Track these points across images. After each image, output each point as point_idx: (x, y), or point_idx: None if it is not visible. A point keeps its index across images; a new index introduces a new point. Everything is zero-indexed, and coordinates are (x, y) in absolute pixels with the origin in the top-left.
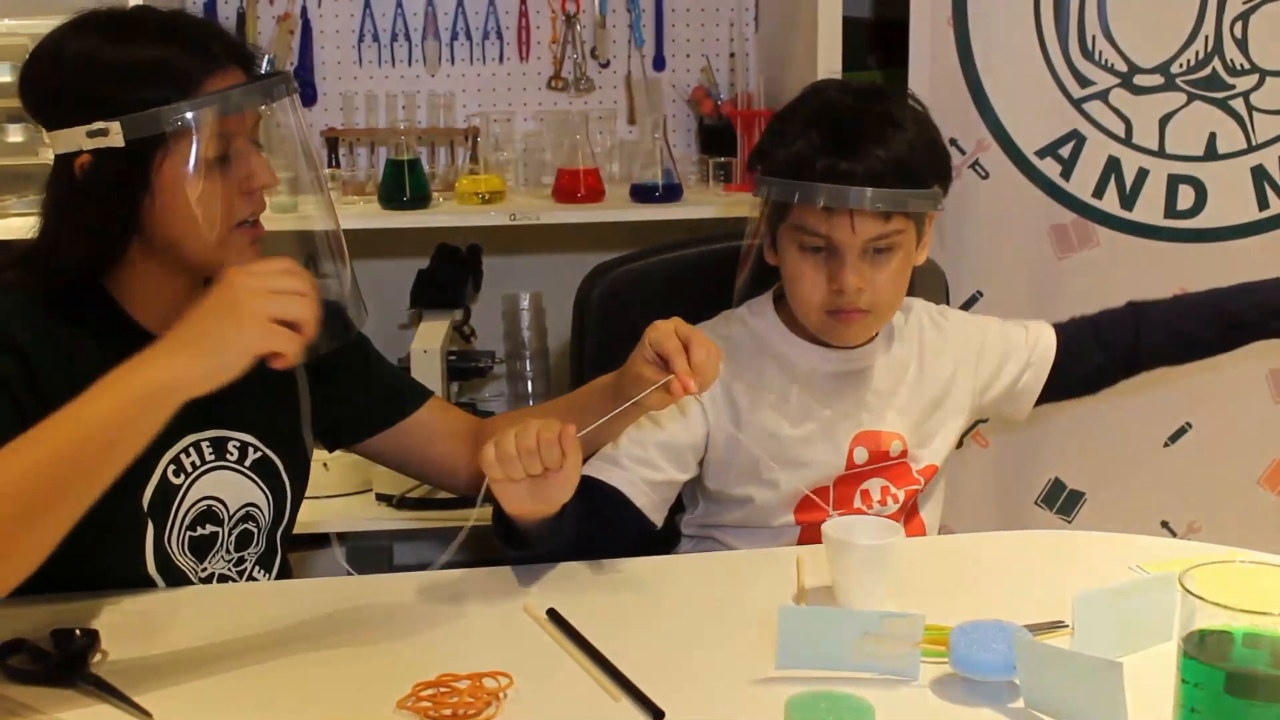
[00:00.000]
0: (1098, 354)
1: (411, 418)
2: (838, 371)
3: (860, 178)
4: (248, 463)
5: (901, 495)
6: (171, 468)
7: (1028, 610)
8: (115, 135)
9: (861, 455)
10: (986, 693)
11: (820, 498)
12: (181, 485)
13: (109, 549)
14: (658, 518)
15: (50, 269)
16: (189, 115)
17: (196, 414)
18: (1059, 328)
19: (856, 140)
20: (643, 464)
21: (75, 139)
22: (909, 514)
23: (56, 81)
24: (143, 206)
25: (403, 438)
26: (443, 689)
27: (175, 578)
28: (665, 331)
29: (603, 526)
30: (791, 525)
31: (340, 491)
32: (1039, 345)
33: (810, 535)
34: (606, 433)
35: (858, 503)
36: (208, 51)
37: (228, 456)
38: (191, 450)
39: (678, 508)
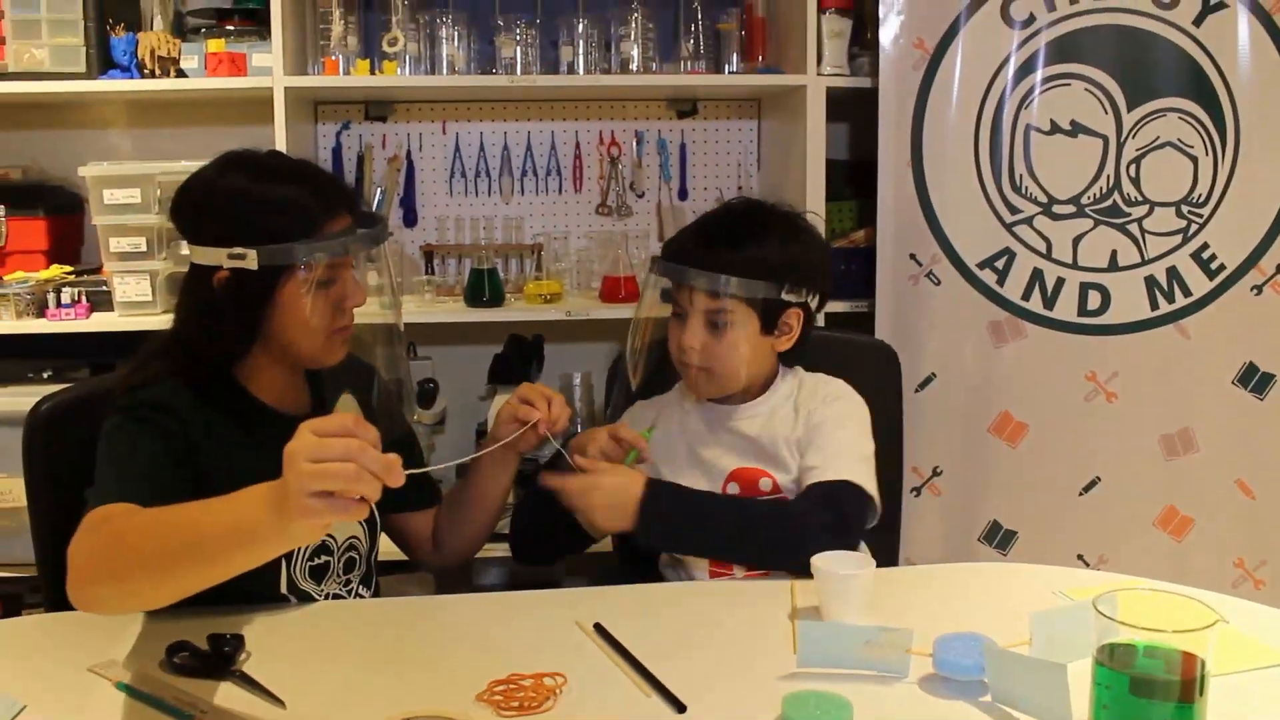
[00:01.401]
0: None
1: (428, 510)
2: (722, 422)
3: (699, 263)
4: None
5: None
6: None
7: (975, 626)
8: (251, 260)
9: (734, 489)
10: (962, 689)
11: None
12: None
13: (251, 576)
14: None
15: (192, 361)
16: (314, 251)
17: None
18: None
19: (714, 238)
20: None
21: (217, 256)
22: None
23: (206, 209)
24: (265, 315)
25: (411, 519)
26: (511, 685)
27: (302, 596)
28: (534, 389)
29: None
30: None
31: None
32: (802, 475)
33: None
34: (492, 473)
35: None
36: (327, 197)
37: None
38: None
39: None
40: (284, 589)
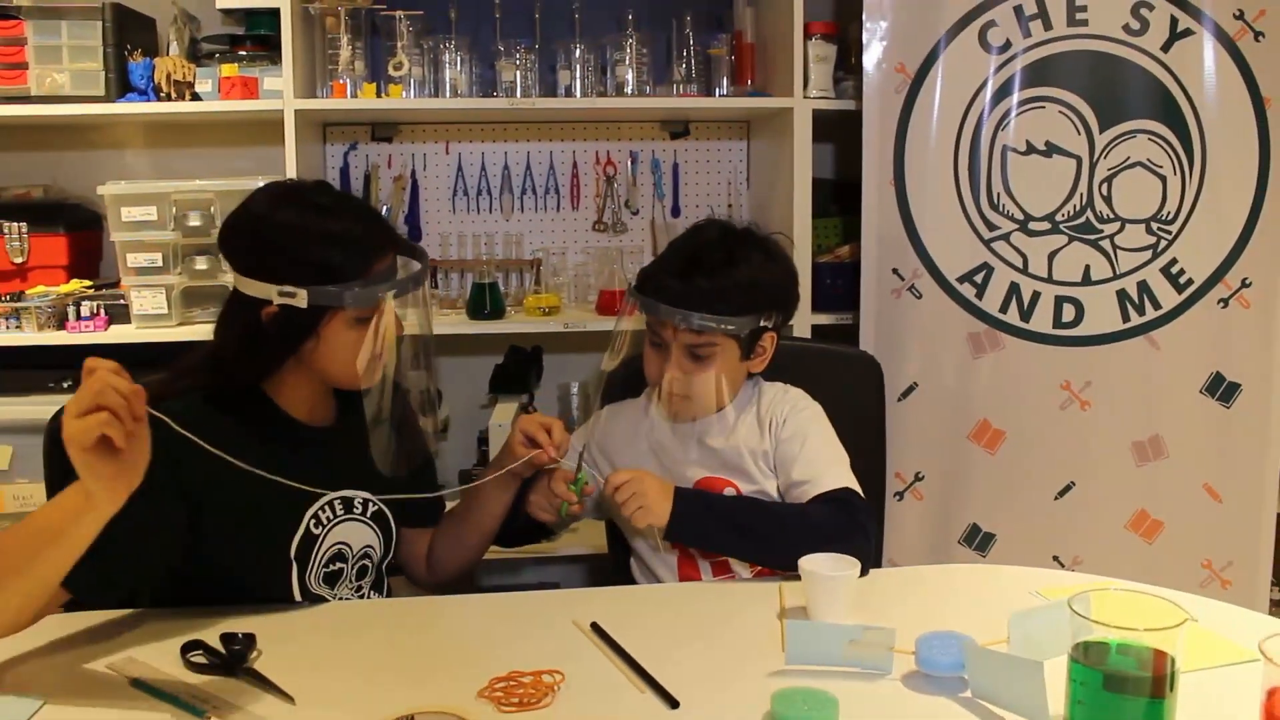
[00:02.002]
0: None
1: (427, 529)
2: (688, 434)
3: (678, 300)
4: (368, 514)
5: None
6: (312, 521)
7: (955, 625)
8: (301, 299)
9: None
10: (943, 685)
11: None
12: (320, 534)
13: (264, 585)
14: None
15: (225, 380)
16: (362, 296)
17: (328, 479)
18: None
19: (690, 271)
20: None
21: (267, 291)
22: None
23: (257, 244)
24: (308, 346)
25: (410, 535)
26: (512, 682)
27: (314, 602)
28: (533, 421)
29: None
30: (670, 548)
31: None
32: (793, 490)
33: (685, 561)
34: (494, 497)
35: None
36: (374, 236)
37: (354, 510)
38: (327, 507)
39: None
40: (297, 596)
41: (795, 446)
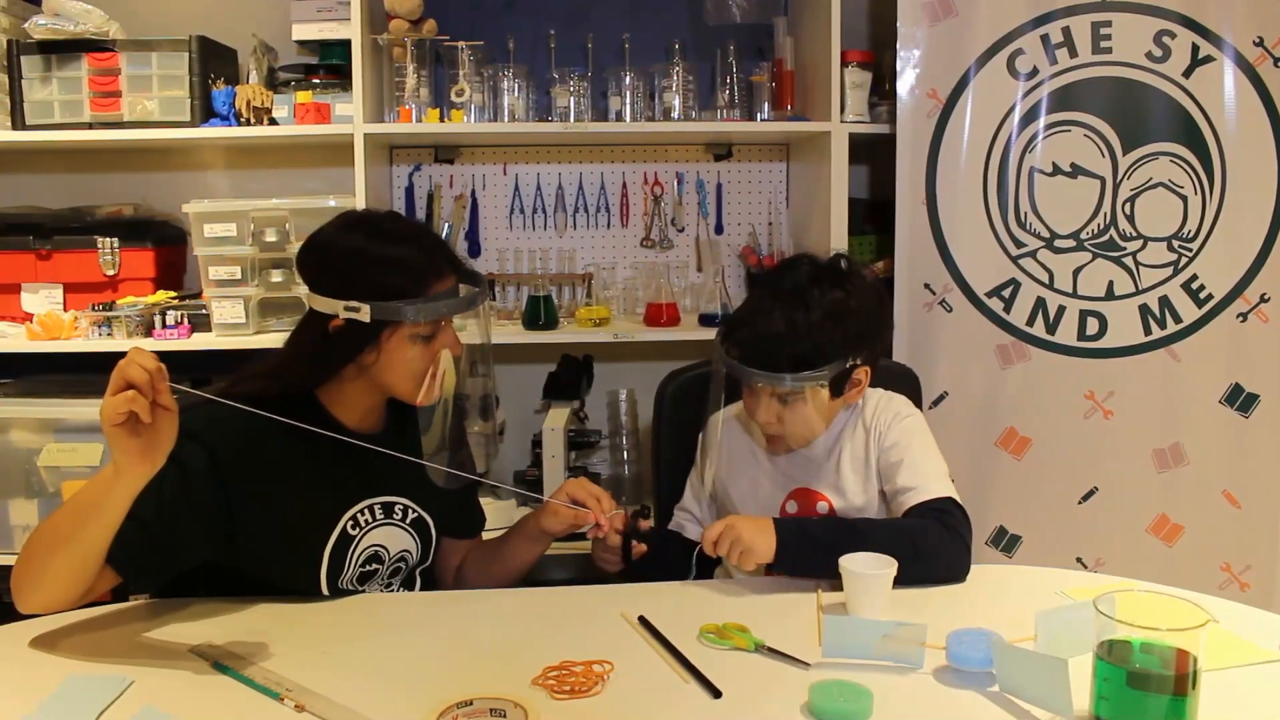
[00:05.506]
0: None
1: (469, 539)
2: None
3: (759, 363)
4: (408, 520)
5: None
6: (350, 523)
7: (984, 622)
8: (365, 313)
9: (793, 507)
10: (972, 679)
11: None
12: (356, 536)
13: (291, 579)
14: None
15: (286, 381)
16: (420, 311)
17: (370, 484)
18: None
19: (769, 330)
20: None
21: (334, 307)
22: None
23: (326, 263)
24: (372, 358)
25: (452, 546)
26: (564, 671)
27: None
28: (582, 488)
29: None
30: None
31: (492, 527)
32: (898, 497)
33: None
34: (525, 549)
35: None
36: (434, 259)
37: (394, 516)
38: (366, 511)
39: None
40: (324, 590)
41: (898, 455)
